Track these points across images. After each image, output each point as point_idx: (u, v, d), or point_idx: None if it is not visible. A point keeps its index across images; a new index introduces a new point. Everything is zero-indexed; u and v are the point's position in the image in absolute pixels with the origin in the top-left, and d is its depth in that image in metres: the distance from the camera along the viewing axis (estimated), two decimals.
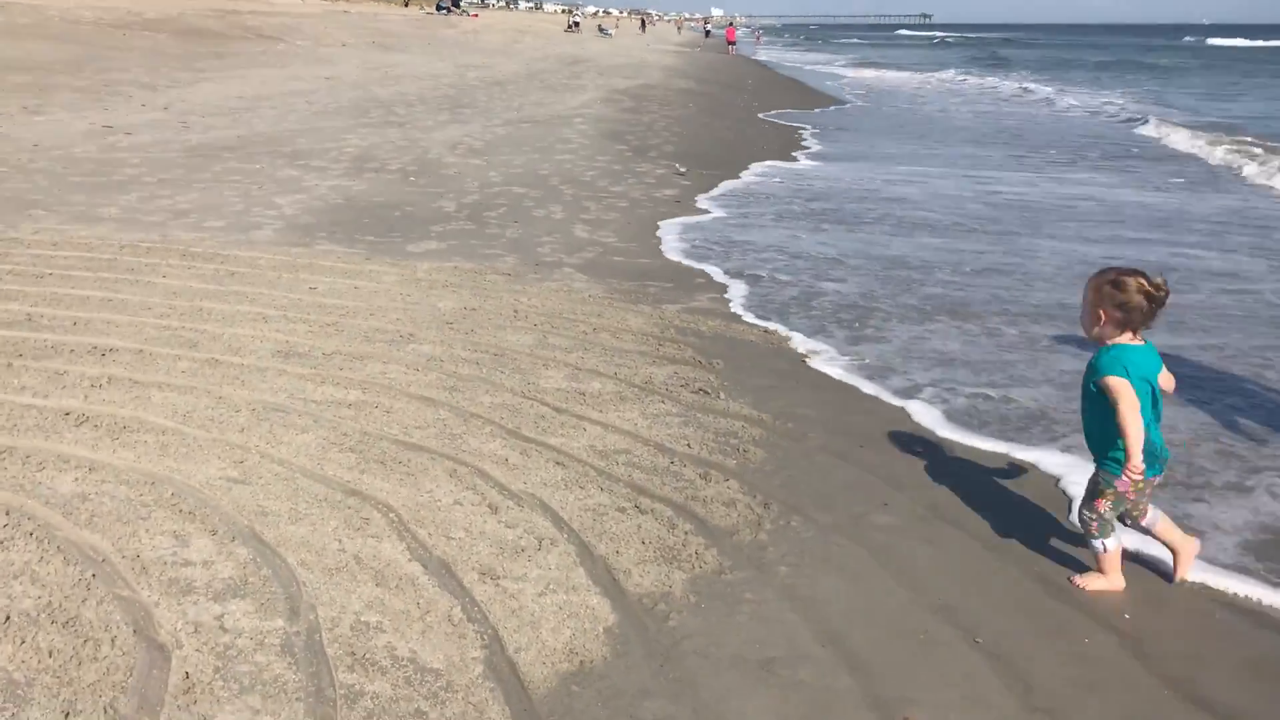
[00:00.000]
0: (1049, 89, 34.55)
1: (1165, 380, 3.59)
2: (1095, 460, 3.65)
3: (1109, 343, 3.51)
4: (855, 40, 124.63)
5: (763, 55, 65.68)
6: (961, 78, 42.65)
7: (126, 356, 5.25)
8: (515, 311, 6.61)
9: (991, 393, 5.61)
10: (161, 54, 26.73)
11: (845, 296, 7.54)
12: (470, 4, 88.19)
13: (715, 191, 12.12)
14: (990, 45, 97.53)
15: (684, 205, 11.07)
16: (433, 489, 4.08)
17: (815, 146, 17.25)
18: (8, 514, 3.63)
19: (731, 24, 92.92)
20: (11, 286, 6.27)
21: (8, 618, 3.05)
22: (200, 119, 15.77)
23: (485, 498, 4.04)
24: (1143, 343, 3.52)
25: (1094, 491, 3.63)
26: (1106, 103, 28.75)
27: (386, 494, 4.01)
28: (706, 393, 5.39)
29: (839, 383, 5.74)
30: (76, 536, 3.54)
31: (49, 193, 9.60)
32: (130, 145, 12.84)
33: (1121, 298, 3.42)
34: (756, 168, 14.27)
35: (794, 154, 16.02)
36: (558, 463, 4.40)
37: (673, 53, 55.12)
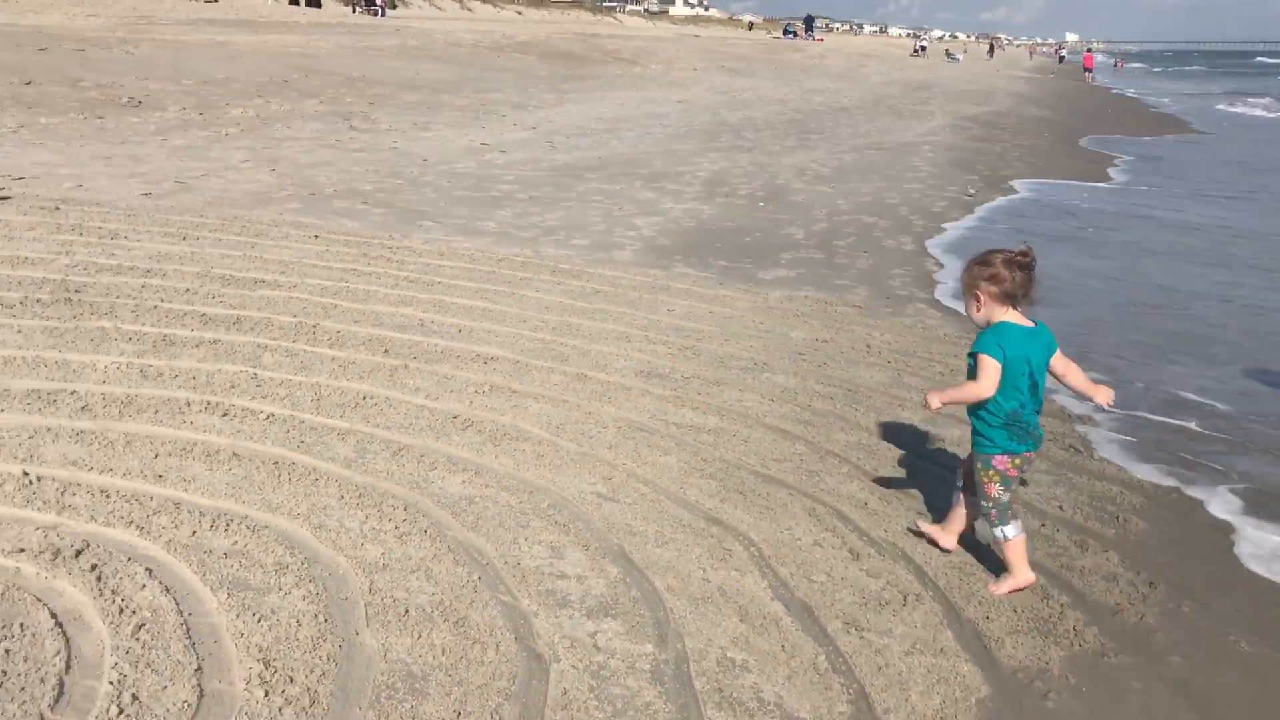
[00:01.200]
0: None
1: (1059, 363, 3.63)
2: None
3: (994, 321, 3.56)
4: (1201, 68, 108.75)
5: (1120, 82, 61.46)
6: None
7: (505, 366, 5.60)
8: (868, 346, 6.48)
9: None
10: (530, 75, 28.64)
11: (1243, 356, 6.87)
12: (817, 28, 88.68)
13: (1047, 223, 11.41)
14: None
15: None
16: (792, 526, 4.05)
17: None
18: (406, 509, 3.94)
19: (1089, 50, 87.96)
20: (407, 293, 6.86)
21: (407, 611, 3.28)
22: (565, 139, 16.71)
23: (845, 542, 3.95)
24: (1031, 324, 3.57)
25: (981, 479, 3.64)
26: None
27: (747, 526, 4.01)
28: (1078, 450, 5.05)
29: (1225, 440, 5.21)
30: (464, 538, 3.77)
31: (436, 205, 10.47)
32: (505, 163, 13.79)
33: (990, 271, 3.53)
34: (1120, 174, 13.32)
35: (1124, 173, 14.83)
36: (919, 512, 4.25)
37: (1023, 79, 52.83)
